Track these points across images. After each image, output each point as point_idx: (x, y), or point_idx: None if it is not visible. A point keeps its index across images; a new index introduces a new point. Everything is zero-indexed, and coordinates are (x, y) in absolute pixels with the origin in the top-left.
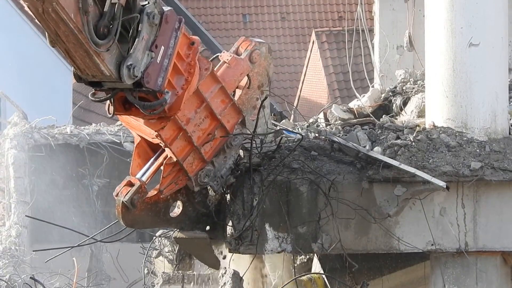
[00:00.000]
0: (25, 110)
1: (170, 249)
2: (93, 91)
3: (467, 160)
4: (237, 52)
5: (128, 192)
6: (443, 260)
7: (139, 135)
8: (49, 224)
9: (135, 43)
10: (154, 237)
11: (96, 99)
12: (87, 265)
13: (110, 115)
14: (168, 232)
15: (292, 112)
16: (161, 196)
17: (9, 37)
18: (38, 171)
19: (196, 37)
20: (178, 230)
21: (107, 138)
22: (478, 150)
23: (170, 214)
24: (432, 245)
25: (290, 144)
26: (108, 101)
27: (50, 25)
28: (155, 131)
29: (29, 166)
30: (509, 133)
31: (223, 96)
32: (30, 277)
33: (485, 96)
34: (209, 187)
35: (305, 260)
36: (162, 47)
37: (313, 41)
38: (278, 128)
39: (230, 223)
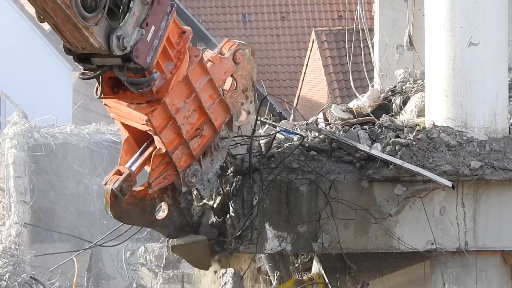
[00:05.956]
0: (25, 109)
1: (154, 261)
2: (83, 70)
3: (467, 160)
4: (220, 53)
5: (117, 180)
6: (443, 259)
7: (127, 129)
8: (49, 224)
9: (125, 17)
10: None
11: (85, 77)
12: (87, 265)
13: (97, 97)
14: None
15: (292, 112)
16: (149, 191)
17: (9, 37)
18: (38, 170)
19: (187, 27)
20: (172, 238)
21: (107, 138)
22: (478, 150)
23: (156, 216)
24: (432, 244)
25: (288, 142)
26: (96, 84)
27: (37, 1)
28: (145, 114)
29: (29, 165)
30: (509, 132)
31: (212, 91)
32: (30, 277)
33: (485, 95)
34: (196, 193)
35: (305, 260)
36: (153, 27)
37: (313, 41)
38: (277, 129)
39: (229, 222)
